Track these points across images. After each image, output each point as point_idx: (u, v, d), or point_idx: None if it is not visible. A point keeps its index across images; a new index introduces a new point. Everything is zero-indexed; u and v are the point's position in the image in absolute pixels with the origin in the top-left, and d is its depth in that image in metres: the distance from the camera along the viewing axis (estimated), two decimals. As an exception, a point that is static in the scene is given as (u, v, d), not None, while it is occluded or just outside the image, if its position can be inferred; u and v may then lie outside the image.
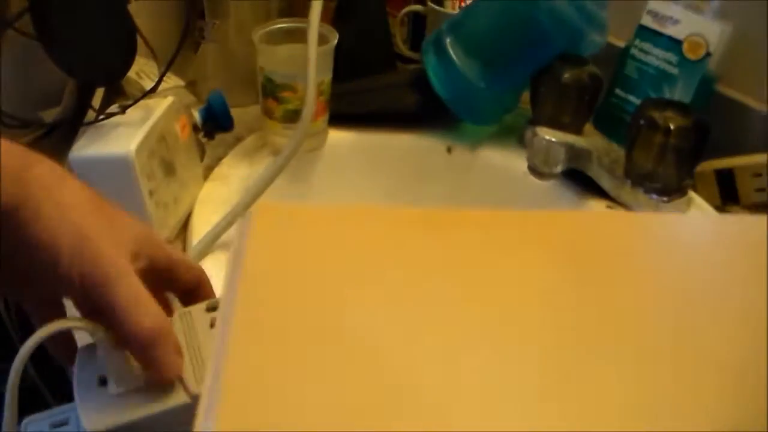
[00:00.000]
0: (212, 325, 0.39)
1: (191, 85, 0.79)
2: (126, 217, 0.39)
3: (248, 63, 0.80)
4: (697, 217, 0.61)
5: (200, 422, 0.24)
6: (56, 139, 0.68)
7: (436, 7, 0.84)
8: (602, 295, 0.30)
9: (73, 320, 0.35)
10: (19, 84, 0.69)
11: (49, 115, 0.69)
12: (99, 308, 0.35)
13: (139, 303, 0.35)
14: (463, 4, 0.83)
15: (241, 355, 0.25)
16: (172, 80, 0.75)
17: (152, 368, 0.36)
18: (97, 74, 0.59)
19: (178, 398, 0.37)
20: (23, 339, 0.35)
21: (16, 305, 0.68)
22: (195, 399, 0.37)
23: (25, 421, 0.39)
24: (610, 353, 0.27)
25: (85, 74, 0.59)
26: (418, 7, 0.86)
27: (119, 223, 0.38)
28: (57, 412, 0.40)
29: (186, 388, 0.37)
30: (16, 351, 0.35)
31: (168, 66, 0.58)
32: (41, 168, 0.36)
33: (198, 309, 0.41)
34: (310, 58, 0.60)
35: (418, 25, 0.89)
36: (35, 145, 0.67)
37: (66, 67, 0.58)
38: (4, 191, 0.34)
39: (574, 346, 0.27)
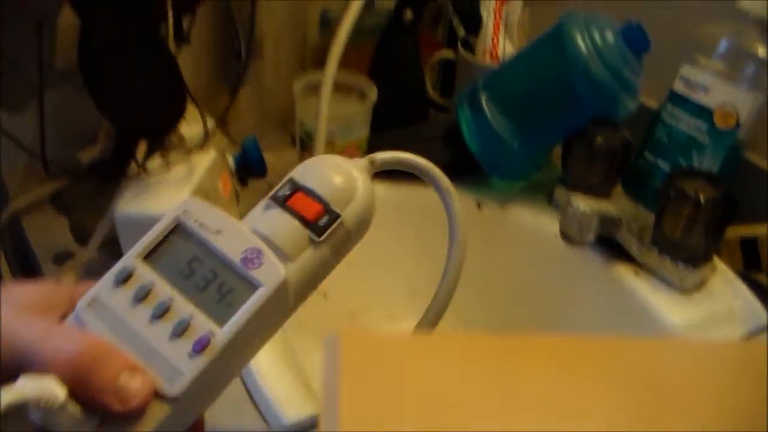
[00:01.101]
0: (137, 299, 0.33)
1: (223, 124, 0.80)
2: (21, 284, 0.34)
3: (282, 103, 0.80)
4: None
5: None
6: (94, 183, 0.69)
7: (467, 54, 0.84)
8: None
9: None
10: (55, 124, 0.69)
11: (85, 155, 0.70)
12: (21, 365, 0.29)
13: (51, 334, 0.30)
14: (495, 53, 0.84)
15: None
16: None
17: (105, 401, 0.29)
18: (144, 128, 0.60)
19: (155, 413, 0.31)
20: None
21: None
22: (173, 401, 0.31)
23: None
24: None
25: (132, 127, 0.59)
26: (449, 54, 0.87)
27: (12, 288, 0.33)
28: None
29: (160, 395, 0.31)
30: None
31: (217, 124, 0.59)
32: None
33: (105, 289, 0.33)
34: (321, 111, 0.60)
35: (447, 70, 0.89)
36: (74, 190, 0.68)
37: (113, 118, 0.58)
38: None
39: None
